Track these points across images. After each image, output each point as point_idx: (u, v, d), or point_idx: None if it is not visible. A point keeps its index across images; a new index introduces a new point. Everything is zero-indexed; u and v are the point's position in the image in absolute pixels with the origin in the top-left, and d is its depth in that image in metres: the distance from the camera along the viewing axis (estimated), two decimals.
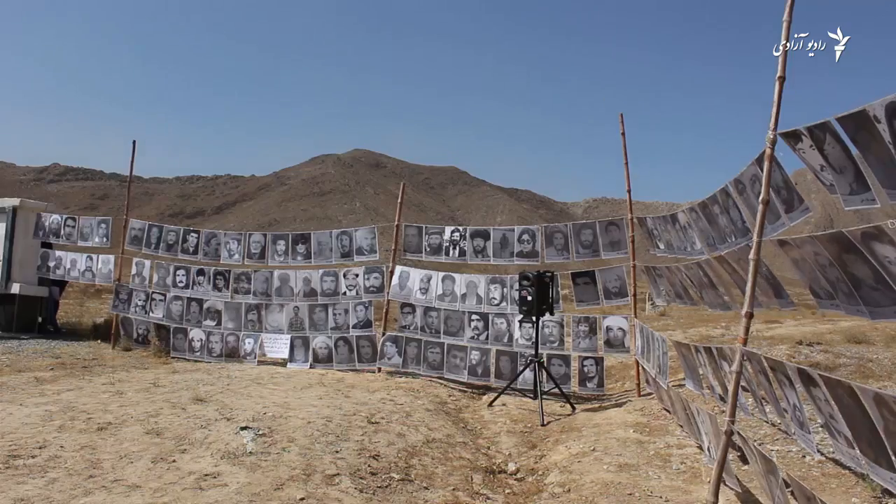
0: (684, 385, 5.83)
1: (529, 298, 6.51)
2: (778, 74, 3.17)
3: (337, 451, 4.42)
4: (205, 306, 8.89)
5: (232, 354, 8.64)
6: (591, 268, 7.32)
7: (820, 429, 3.91)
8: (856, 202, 2.46)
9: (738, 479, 3.65)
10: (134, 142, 10.03)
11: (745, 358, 3.37)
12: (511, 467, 4.80)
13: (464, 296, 7.74)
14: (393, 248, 8.16)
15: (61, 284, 11.17)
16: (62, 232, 10.04)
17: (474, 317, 7.69)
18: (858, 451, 2.64)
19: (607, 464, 4.41)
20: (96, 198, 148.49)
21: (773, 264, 3.63)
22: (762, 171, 3.18)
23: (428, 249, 8.03)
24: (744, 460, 4.17)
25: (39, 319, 10.92)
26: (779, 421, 4.87)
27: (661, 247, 6.02)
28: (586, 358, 7.24)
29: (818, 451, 4.03)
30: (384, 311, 8.24)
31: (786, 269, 3.84)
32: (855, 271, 2.56)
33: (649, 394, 6.55)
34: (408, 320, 8.04)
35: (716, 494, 3.30)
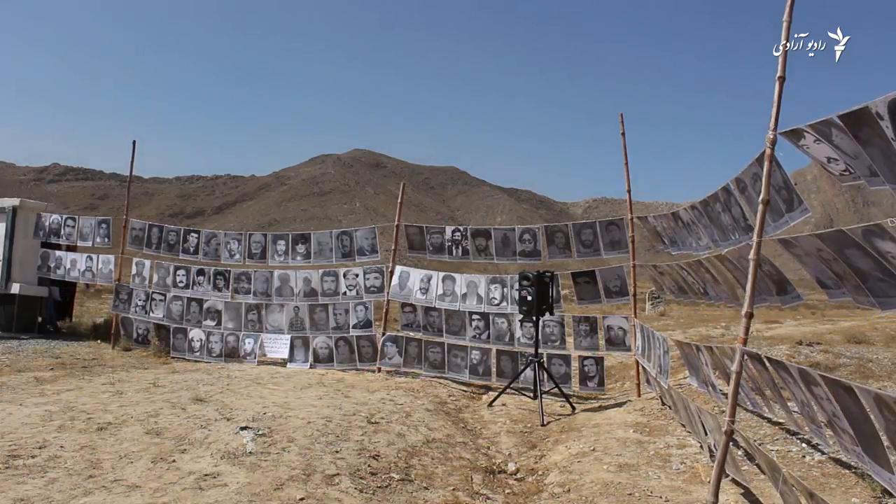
0: (689, 383, 5.83)
1: (529, 298, 6.51)
2: (778, 74, 3.17)
3: (337, 451, 4.42)
4: (205, 306, 8.89)
5: (232, 354, 8.64)
6: (592, 267, 7.33)
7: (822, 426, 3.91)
8: (879, 182, 2.43)
9: (742, 474, 3.64)
10: (134, 142, 10.04)
11: (745, 357, 3.38)
12: (511, 467, 4.80)
13: (464, 296, 7.74)
14: (393, 248, 8.16)
15: (61, 285, 11.15)
16: (62, 232, 10.04)
17: (475, 316, 7.70)
18: (861, 449, 2.65)
19: (607, 464, 4.41)
20: (96, 198, 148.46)
21: (775, 263, 3.63)
22: (762, 170, 3.19)
23: (431, 249, 8.03)
24: (748, 459, 4.17)
25: (39, 319, 10.92)
26: (782, 420, 4.87)
27: (667, 243, 6.02)
28: (586, 357, 7.25)
29: (830, 448, 4.03)
30: (384, 311, 8.24)
31: (787, 269, 3.84)
32: (860, 265, 2.56)
33: (649, 394, 6.55)
34: (409, 318, 8.05)
35: (716, 494, 3.30)
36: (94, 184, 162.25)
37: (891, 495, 3.43)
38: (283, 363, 8.41)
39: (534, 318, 6.62)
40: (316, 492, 3.67)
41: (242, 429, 4.77)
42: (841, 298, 2.87)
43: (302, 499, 3.55)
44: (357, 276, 8.31)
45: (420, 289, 7.95)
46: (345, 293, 8.35)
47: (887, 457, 2.49)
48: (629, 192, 7.15)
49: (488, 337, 7.67)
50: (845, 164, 2.63)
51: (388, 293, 8.09)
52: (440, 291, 7.84)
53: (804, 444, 4.39)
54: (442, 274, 7.95)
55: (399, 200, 8.45)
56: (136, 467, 3.88)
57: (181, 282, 9.06)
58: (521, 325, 7.44)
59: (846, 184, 2.70)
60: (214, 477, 3.78)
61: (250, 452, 4.26)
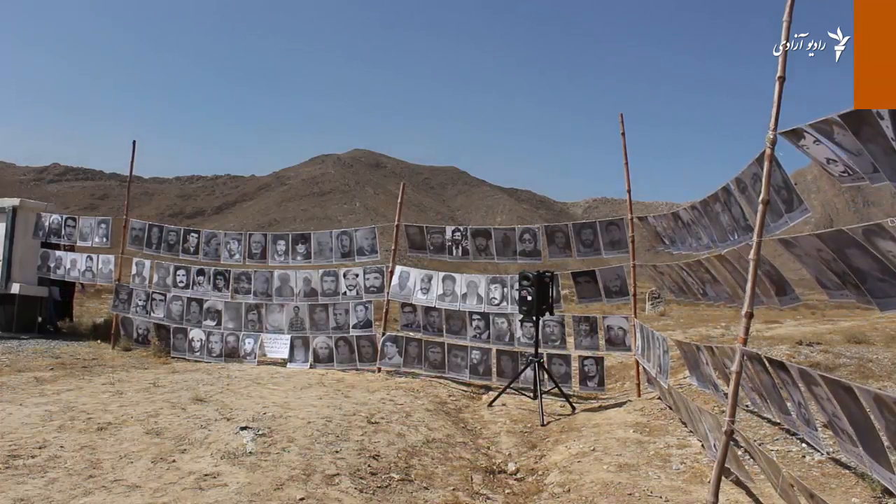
0: (690, 383, 5.84)
1: (529, 298, 6.51)
2: (778, 74, 3.17)
3: (337, 451, 4.42)
4: (205, 306, 8.89)
5: (232, 354, 8.64)
6: (592, 267, 7.34)
7: (820, 427, 3.91)
8: (881, 178, 2.44)
9: (747, 473, 3.64)
10: (134, 142, 10.04)
11: (745, 357, 3.38)
12: (511, 467, 4.80)
13: (464, 296, 7.74)
14: (393, 248, 8.16)
15: (61, 285, 11.14)
16: (62, 232, 10.04)
17: (475, 316, 7.70)
18: (862, 450, 2.65)
19: (607, 464, 4.41)
20: (96, 198, 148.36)
21: (774, 263, 3.63)
22: (762, 170, 3.19)
23: (431, 248, 8.04)
24: (748, 459, 4.17)
25: (39, 319, 10.92)
26: (779, 420, 4.87)
27: (667, 243, 6.02)
28: (587, 357, 7.25)
29: (825, 450, 4.03)
30: (384, 311, 8.24)
31: (786, 269, 3.84)
32: (860, 265, 2.56)
33: (649, 394, 6.56)
34: (409, 318, 8.05)
35: (716, 494, 3.30)
36: (94, 184, 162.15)
37: (891, 495, 3.43)
38: (283, 363, 8.41)
39: (534, 318, 6.63)
40: (316, 492, 3.67)
41: (242, 429, 4.77)
42: (841, 299, 2.87)
43: (302, 499, 3.56)
44: (357, 276, 8.31)
45: (421, 289, 7.95)
46: (345, 293, 8.35)
47: (888, 456, 2.49)
48: (629, 192, 7.15)
49: (488, 337, 7.67)
50: (845, 166, 2.63)
51: (388, 293, 8.09)
52: (440, 291, 7.84)
53: (804, 445, 4.38)
54: (442, 274, 7.96)
55: (399, 200, 8.45)
56: (136, 467, 3.88)
57: (181, 282, 9.06)
58: (522, 324, 7.44)
59: (845, 185, 2.70)
60: (214, 477, 3.78)
61: (250, 452, 4.26)
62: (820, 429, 3.87)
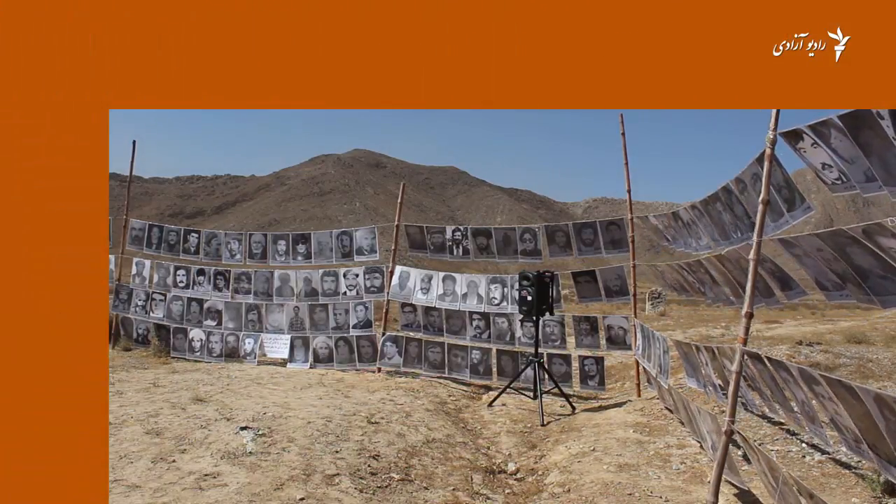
0: (688, 385, 5.84)
1: (529, 298, 6.51)
2: None
3: (337, 451, 4.42)
4: (205, 306, 8.89)
5: (232, 354, 8.64)
6: (593, 266, 7.34)
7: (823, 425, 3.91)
8: (874, 188, 2.44)
9: (740, 476, 3.65)
10: (134, 142, 10.03)
11: (745, 357, 3.38)
12: (511, 467, 4.80)
13: (464, 295, 7.75)
14: (393, 248, 8.16)
15: None
16: None
17: (475, 316, 7.70)
18: (866, 447, 2.65)
19: (607, 464, 4.41)
20: None
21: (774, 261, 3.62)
22: (762, 170, 3.19)
23: (431, 248, 8.04)
24: (747, 459, 4.17)
25: None
26: (782, 420, 4.87)
27: (669, 240, 6.02)
28: (587, 357, 7.26)
29: (831, 447, 4.02)
30: (384, 311, 8.24)
31: (786, 269, 3.84)
32: (861, 263, 2.57)
33: (649, 394, 6.56)
34: (409, 318, 8.05)
35: (716, 494, 3.30)
36: None
37: (891, 495, 3.43)
38: (283, 363, 8.41)
39: (534, 317, 6.62)
40: (316, 492, 3.68)
41: (242, 429, 4.77)
42: (839, 300, 2.87)
43: (302, 499, 3.56)
44: (357, 276, 8.31)
45: (421, 288, 7.95)
46: (345, 293, 8.35)
47: (893, 452, 2.49)
48: (629, 192, 7.15)
49: (489, 337, 7.67)
50: (839, 172, 2.63)
51: (388, 293, 8.09)
52: (440, 291, 7.84)
53: (804, 444, 4.39)
54: (442, 274, 7.96)
55: (399, 200, 8.45)
56: (136, 467, 3.89)
57: (181, 282, 9.06)
58: (522, 324, 7.44)
59: (837, 193, 2.70)
60: (214, 477, 3.78)
61: (250, 452, 4.26)
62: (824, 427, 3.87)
